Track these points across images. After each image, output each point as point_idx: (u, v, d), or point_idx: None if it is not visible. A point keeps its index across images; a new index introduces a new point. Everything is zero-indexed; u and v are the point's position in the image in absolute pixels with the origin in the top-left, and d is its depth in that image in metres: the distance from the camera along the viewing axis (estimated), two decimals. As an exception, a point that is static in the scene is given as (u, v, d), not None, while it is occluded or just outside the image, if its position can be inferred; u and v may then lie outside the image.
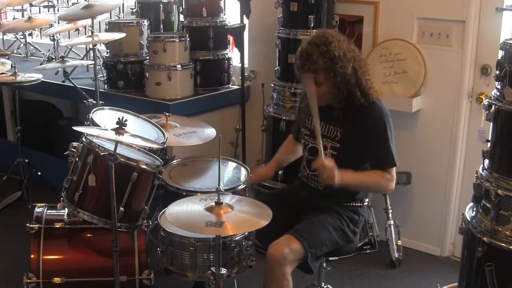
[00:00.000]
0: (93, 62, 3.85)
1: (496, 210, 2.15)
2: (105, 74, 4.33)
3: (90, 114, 2.95)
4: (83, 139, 2.71)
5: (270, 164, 3.01)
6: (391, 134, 2.60)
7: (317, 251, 2.57)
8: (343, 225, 2.65)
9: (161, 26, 4.39)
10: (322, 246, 2.58)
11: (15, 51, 5.60)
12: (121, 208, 2.62)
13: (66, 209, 2.80)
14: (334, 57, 2.50)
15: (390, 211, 3.65)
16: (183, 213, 2.36)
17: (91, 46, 4.20)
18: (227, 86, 4.38)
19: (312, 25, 3.58)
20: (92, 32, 3.78)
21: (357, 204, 2.72)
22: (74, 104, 5.39)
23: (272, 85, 3.92)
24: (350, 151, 2.62)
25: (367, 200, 2.78)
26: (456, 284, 2.44)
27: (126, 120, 2.44)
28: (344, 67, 2.51)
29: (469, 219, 2.28)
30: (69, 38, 5.32)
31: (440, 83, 3.57)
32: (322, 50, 2.50)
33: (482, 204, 2.25)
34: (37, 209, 2.92)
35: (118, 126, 2.43)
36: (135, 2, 4.49)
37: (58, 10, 5.37)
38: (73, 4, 5.04)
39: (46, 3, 5.37)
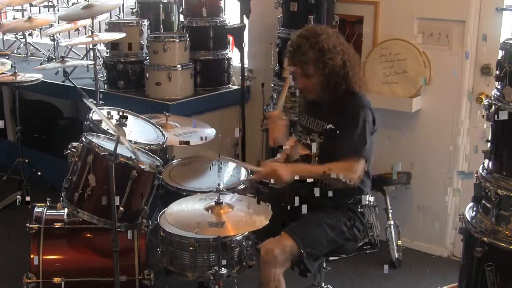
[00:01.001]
0: (93, 62, 3.85)
1: (496, 210, 2.16)
2: (105, 74, 4.33)
3: (90, 114, 2.95)
4: (83, 139, 2.71)
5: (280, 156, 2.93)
6: (364, 125, 2.54)
7: (313, 251, 2.56)
8: (340, 223, 2.65)
9: (161, 26, 4.39)
10: (318, 245, 2.57)
11: (15, 51, 5.60)
12: (121, 208, 2.62)
13: (66, 209, 2.80)
14: (323, 48, 2.53)
15: (390, 211, 3.65)
16: (183, 214, 2.36)
17: (91, 46, 4.20)
18: (227, 86, 4.38)
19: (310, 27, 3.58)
20: (92, 32, 3.79)
21: (355, 202, 2.72)
22: (74, 104, 5.39)
23: (272, 85, 3.92)
24: (332, 144, 2.61)
25: (367, 198, 2.76)
26: (456, 284, 2.44)
27: (126, 120, 2.44)
28: (333, 59, 2.54)
29: (469, 219, 2.28)
30: (69, 38, 5.32)
31: (440, 83, 3.57)
32: (311, 42, 2.54)
33: (482, 204, 2.25)
34: (37, 209, 2.92)
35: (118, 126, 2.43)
36: (135, 2, 4.49)
37: (58, 10, 5.37)
38: (73, 4, 5.03)
39: (46, 3, 5.36)
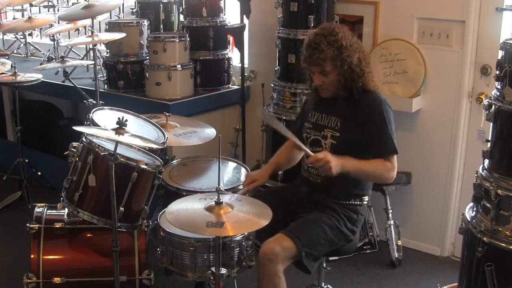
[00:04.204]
0: (93, 62, 3.85)
1: (496, 210, 2.16)
2: (105, 74, 4.33)
3: (90, 114, 2.95)
4: (83, 139, 2.71)
5: (264, 168, 2.95)
6: (390, 122, 2.62)
7: (312, 251, 2.55)
8: (340, 224, 2.65)
9: (161, 26, 4.39)
10: (316, 245, 2.57)
11: (15, 51, 5.60)
12: (121, 208, 2.62)
13: (66, 209, 2.80)
14: (342, 46, 2.56)
15: (390, 211, 3.65)
16: (183, 214, 2.36)
17: (91, 46, 4.20)
18: (227, 86, 4.38)
19: (312, 25, 3.58)
20: (92, 32, 3.79)
21: (356, 202, 2.72)
22: (74, 104, 5.39)
23: (272, 85, 3.92)
24: (349, 140, 2.64)
25: (366, 199, 2.77)
26: (456, 284, 2.44)
27: (126, 120, 2.44)
28: (350, 56, 2.57)
29: (469, 219, 2.28)
30: (69, 38, 5.32)
31: (440, 83, 3.57)
32: (329, 40, 2.56)
33: (482, 204, 2.25)
34: (37, 209, 2.92)
35: (118, 126, 2.43)
36: (135, 2, 4.49)
37: (58, 10, 5.37)
38: (73, 4, 5.04)
39: (46, 3, 5.37)
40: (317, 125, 2.74)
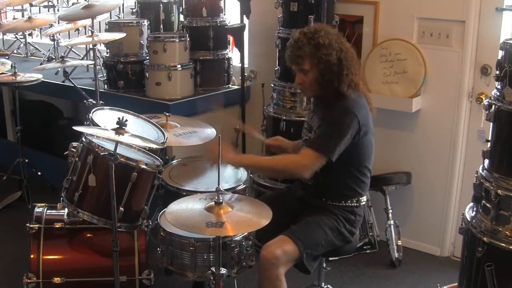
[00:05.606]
0: (93, 62, 3.85)
1: (496, 210, 2.16)
2: (105, 74, 4.33)
3: (90, 114, 2.95)
4: (83, 139, 2.71)
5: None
6: (338, 128, 2.52)
7: (313, 252, 2.56)
8: (339, 225, 2.65)
9: (161, 26, 4.39)
10: (317, 246, 2.58)
11: (15, 51, 5.60)
12: (121, 208, 2.62)
13: (66, 209, 2.80)
14: (319, 44, 2.56)
15: (390, 211, 3.65)
16: (183, 214, 2.36)
17: (91, 46, 4.20)
18: (227, 86, 4.38)
19: (312, 25, 3.58)
20: (92, 32, 3.79)
21: (352, 204, 2.71)
22: (74, 104, 5.39)
23: (272, 85, 3.92)
24: None
25: (363, 200, 2.77)
26: (456, 284, 2.44)
27: (126, 120, 2.44)
28: (328, 55, 2.56)
29: (469, 219, 2.28)
30: (69, 38, 5.32)
31: (440, 83, 3.57)
32: (308, 38, 2.58)
33: (482, 204, 2.25)
34: (37, 209, 2.92)
35: (118, 126, 2.43)
36: (135, 2, 4.49)
37: (58, 10, 5.37)
38: (73, 4, 5.04)
39: (46, 3, 5.37)
40: (309, 126, 2.78)
